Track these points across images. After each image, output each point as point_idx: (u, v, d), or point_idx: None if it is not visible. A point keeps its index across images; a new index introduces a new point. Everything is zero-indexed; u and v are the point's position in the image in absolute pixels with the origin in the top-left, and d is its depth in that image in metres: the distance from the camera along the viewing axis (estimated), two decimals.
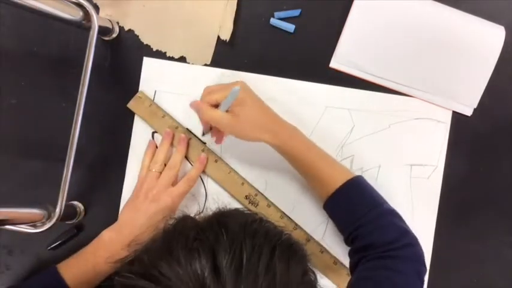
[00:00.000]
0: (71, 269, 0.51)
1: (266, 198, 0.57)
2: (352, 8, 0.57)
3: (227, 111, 0.49)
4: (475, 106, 0.58)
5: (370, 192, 0.51)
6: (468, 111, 0.59)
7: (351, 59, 0.58)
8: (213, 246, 0.32)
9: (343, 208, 0.51)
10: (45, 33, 0.59)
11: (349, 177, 0.50)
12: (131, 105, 0.58)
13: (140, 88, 0.59)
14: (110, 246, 0.51)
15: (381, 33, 0.57)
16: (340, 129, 0.58)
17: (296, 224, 0.57)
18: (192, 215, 0.57)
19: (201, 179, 0.58)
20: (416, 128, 0.59)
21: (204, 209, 0.56)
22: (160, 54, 0.58)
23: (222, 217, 0.36)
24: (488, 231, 0.59)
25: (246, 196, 0.57)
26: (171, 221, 0.37)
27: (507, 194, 0.59)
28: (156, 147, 0.57)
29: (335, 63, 0.59)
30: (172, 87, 0.59)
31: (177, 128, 0.58)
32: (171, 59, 0.58)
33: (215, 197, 0.58)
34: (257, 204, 0.57)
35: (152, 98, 0.59)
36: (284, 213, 0.57)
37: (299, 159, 0.52)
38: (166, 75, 0.59)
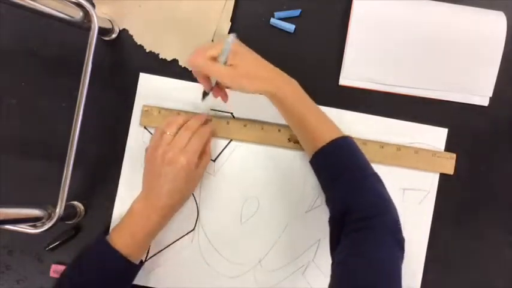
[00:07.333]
0: (119, 240, 0.51)
1: None
2: (350, 21, 0.57)
3: (225, 64, 0.49)
4: (490, 95, 0.58)
5: (358, 154, 0.50)
6: (485, 102, 0.59)
7: (359, 73, 0.58)
8: None
9: (328, 165, 0.50)
10: (45, 33, 0.59)
11: (339, 135, 0.50)
12: (144, 122, 0.58)
13: (135, 104, 0.58)
14: (141, 215, 0.52)
15: (384, 40, 0.57)
16: None
17: None
18: (184, 233, 0.57)
19: (193, 196, 0.58)
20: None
21: (196, 227, 0.57)
22: (154, 56, 0.58)
23: None
24: (488, 231, 0.59)
25: (288, 139, 0.58)
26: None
27: (507, 194, 0.59)
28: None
29: (344, 80, 0.58)
30: (169, 104, 0.58)
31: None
32: (164, 61, 0.58)
33: (209, 215, 0.58)
34: (298, 141, 0.57)
35: None
36: None
37: (292, 109, 0.51)
38: (163, 91, 0.58)
